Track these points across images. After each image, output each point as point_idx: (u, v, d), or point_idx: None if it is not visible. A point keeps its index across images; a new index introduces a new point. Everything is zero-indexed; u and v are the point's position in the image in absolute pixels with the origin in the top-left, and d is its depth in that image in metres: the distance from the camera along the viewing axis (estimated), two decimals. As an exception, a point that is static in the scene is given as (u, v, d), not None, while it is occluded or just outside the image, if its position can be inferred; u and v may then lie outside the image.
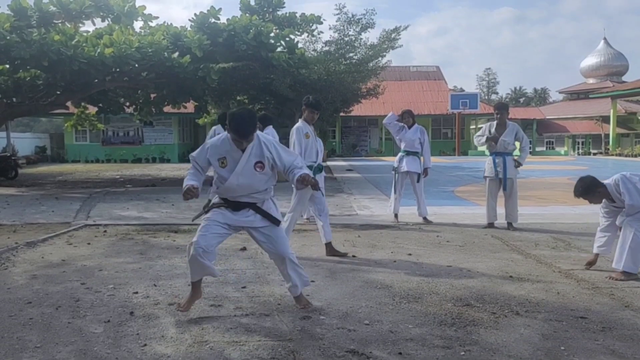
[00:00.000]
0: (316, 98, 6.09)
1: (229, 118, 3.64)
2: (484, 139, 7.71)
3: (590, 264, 5.28)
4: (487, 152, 7.90)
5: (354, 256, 5.85)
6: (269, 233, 3.89)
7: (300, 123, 5.99)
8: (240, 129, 3.62)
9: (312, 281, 4.78)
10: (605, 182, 4.94)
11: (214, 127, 10.23)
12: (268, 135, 9.35)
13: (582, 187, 4.95)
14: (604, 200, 5.04)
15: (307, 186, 3.86)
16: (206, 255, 3.73)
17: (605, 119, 40.04)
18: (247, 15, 14.66)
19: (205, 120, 24.97)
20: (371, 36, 68.89)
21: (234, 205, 3.83)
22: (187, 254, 3.79)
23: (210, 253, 3.75)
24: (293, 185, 3.74)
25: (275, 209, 3.97)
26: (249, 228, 3.89)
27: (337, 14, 22.50)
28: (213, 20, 13.87)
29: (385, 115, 8.80)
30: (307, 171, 3.84)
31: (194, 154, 3.87)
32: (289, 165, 3.83)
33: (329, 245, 5.94)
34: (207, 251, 3.72)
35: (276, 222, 3.91)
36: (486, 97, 70.55)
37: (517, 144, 7.84)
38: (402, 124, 8.40)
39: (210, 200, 4.13)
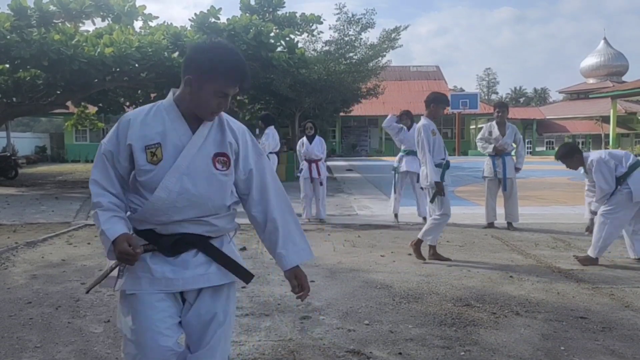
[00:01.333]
0: (442, 93, 5.91)
1: (205, 55, 1.88)
2: (490, 149, 7.69)
3: (589, 229, 5.73)
4: (485, 153, 7.91)
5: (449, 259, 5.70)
6: (216, 301, 2.01)
7: (424, 120, 5.64)
8: (235, 65, 1.89)
9: (312, 281, 4.79)
10: (585, 154, 5.47)
11: None
12: (269, 135, 9.41)
13: (563, 151, 5.57)
14: (588, 184, 5.62)
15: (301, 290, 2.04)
16: None
17: (605, 119, 39.98)
18: (247, 15, 14.68)
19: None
20: (371, 36, 68.92)
21: (168, 245, 1.93)
22: None
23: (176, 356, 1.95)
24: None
25: (238, 254, 2.12)
26: (193, 289, 1.98)
27: (337, 14, 22.52)
28: (213, 20, 13.89)
29: (385, 116, 8.81)
30: (307, 249, 2.07)
31: (105, 145, 1.95)
32: (259, 192, 2.04)
33: (432, 247, 5.73)
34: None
35: (247, 277, 2.08)
36: (486, 97, 70.51)
37: (514, 144, 7.87)
38: (402, 125, 8.40)
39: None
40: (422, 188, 5.93)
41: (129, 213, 1.98)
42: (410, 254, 5.90)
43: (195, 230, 1.96)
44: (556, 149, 5.72)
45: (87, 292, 2.22)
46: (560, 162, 5.60)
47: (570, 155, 5.50)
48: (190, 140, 1.93)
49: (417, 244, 5.67)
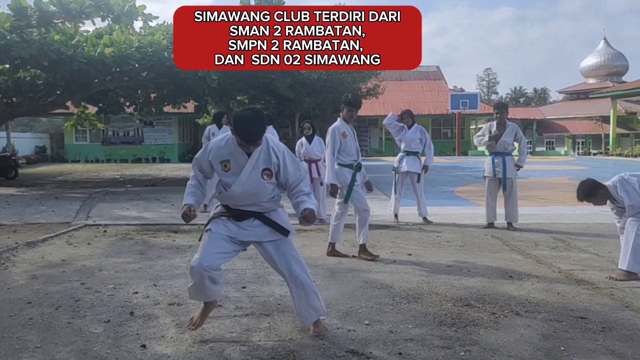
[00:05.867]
0: None
1: (233, 120, 3.26)
2: (486, 139, 7.71)
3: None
4: (486, 152, 7.91)
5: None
6: (279, 247, 3.38)
7: None
8: (246, 132, 3.17)
9: (312, 282, 4.79)
10: (606, 183, 4.97)
11: (208, 127, 10.03)
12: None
13: (584, 191, 4.97)
14: (609, 202, 5.04)
15: (310, 224, 3.49)
16: (211, 278, 3.26)
17: (605, 119, 40.03)
18: (247, 15, 14.64)
19: (205, 120, 24.97)
20: (371, 36, 68.52)
21: (236, 215, 3.36)
22: (190, 276, 3.35)
23: (216, 272, 3.29)
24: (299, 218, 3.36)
25: (285, 218, 3.46)
26: (256, 242, 3.42)
27: (337, 14, 22.50)
28: (213, 20, 13.86)
29: (385, 116, 8.80)
30: (313, 204, 3.39)
31: (197, 155, 3.47)
32: (294, 184, 3.39)
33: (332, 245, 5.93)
34: (211, 273, 3.25)
35: (285, 232, 3.39)
36: (486, 97, 70.51)
37: (516, 144, 7.86)
38: (402, 124, 8.40)
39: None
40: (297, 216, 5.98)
41: (217, 193, 3.43)
42: (410, 254, 5.91)
43: (250, 209, 3.37)
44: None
45: (204, 233, 3.43)
46: (585, 202, 5.02)
47: (594, 192, 4.94)
48: (247, 161, 3.26)
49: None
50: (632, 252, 4.82)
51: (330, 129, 5.81)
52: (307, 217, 3.31)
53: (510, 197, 7.60)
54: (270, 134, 10.65)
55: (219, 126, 9.72)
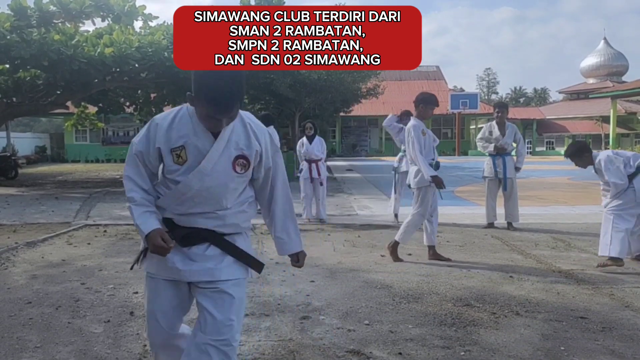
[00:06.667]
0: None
1: (195, 78, 2.05)
2: (491, 148, 7.71)
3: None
4: (486, 153, 7.93)
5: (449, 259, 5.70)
6: (226, 290, 2.18)
7: None
8: (218, 94, 1.97)
9: (312, 281, 4.80)
10: (594, 153, 5.40)
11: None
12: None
13: (573, 149, 5.52)
14: (601, 183, 5.45)
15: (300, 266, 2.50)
16: (170, 351, 2.35)
17: (605, 119, 40.00)
18: (247, 15, 14.67)
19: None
20: (371, 36, 68.59)
21: (183, 237, 2.16)
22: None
23: (181, 339, 2.35)
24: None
25: (251, 249, 2.33)
26: (201, 282, 2.19)
27: (337, 14, 22.51)
28: (213, 19, 13.88)
29: (385, 116, 8.81)
30: (299, 237, 2.44)
31: (137, 145, 2.16)
32: (269, 183, 2.29)
33: (432, 248, 5.83)
34: (167, 345, 2.34)
35: (259, 267, 2.29)
36: (486, 97, 70.51)
37: (514, 144, 7.89)
38: (402, 125, 8.40)
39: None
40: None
41: (157, 198, 2.20)
42: (410, 254, 5.91)
43: (205, 225, 2.16)
44: (565, 147, 5.67)
45: (131, 269, 2.48)
46: (570, 160, 5.58)
47: (580, 154, 5.44)
48: (213, 144, 2.10)
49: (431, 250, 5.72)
50: (614, 239, 5.09)
51: (410, 127, 5.67)
52: (300, 261, 2.46)
53: (511, 197, 7.61)
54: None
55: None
